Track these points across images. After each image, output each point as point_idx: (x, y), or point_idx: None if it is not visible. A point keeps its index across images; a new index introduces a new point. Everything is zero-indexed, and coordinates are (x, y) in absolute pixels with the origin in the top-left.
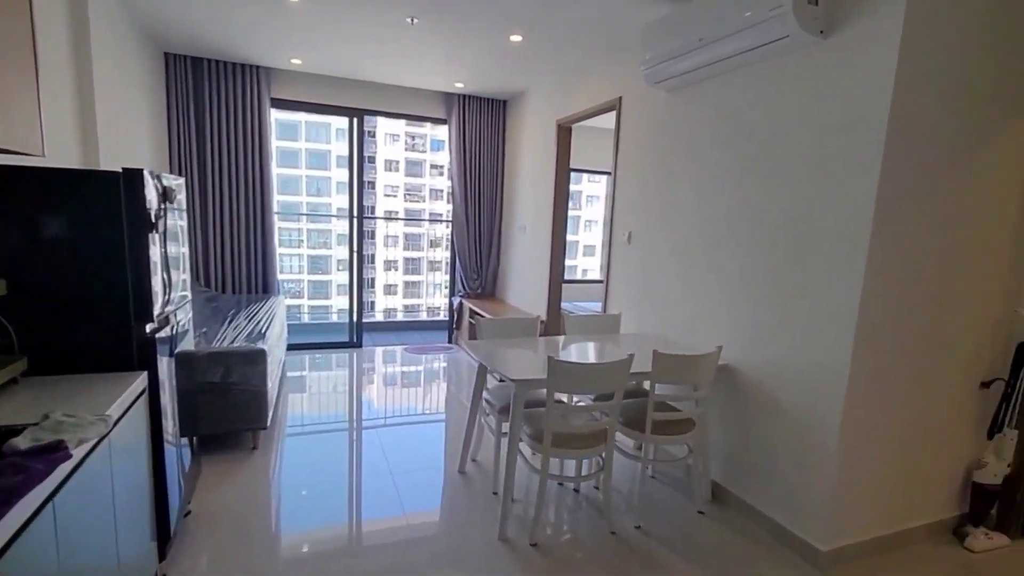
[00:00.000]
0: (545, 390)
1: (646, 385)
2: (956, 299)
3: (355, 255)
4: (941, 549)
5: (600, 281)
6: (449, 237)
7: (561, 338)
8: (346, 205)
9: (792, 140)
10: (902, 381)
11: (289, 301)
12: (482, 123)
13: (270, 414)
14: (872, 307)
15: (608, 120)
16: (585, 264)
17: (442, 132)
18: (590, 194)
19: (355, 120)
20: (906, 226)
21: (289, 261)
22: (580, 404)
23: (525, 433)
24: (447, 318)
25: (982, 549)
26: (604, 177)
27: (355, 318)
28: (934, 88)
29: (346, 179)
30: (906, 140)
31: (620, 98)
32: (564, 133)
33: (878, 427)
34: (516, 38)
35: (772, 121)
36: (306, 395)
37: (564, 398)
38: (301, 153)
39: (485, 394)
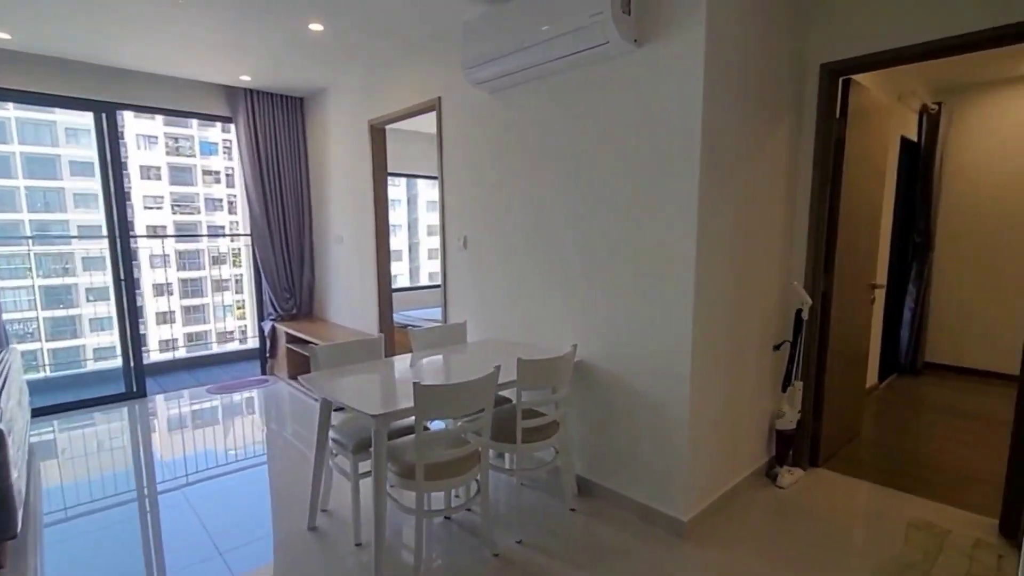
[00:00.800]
0: (408, 418)
1: (504, 393)
2: (752, 275)
3: (122, 283)
4: (761, 491)
5: (436, 286)
6: (245, 251)
7: (408, 356)
8: (94, 221)
9: (621, 143)
10: (724, 352)
11: (23, 346)
12: (278, 122)
13: (19, 516)
14: (702, 290)
15: (433, 123)
16: (433, 267)
17: (213, 134)
18: (431, 199)
19: (104, 117)
20: (718, 216)
21: (14, 296)
22: (444, 427)
23: (391, 471)
24: (257, 346)
25: (788, 484)
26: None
27: (132, 361)
28: (727, 96)
29: (88, 190)
30: (712, 141)
31: (439, 98)
32: (378, 135)
33: (712, 396)
34: (316, 27)
35: (601, 124)
36: (71, 474)
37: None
38: (14, 159)
39: (333, 433)
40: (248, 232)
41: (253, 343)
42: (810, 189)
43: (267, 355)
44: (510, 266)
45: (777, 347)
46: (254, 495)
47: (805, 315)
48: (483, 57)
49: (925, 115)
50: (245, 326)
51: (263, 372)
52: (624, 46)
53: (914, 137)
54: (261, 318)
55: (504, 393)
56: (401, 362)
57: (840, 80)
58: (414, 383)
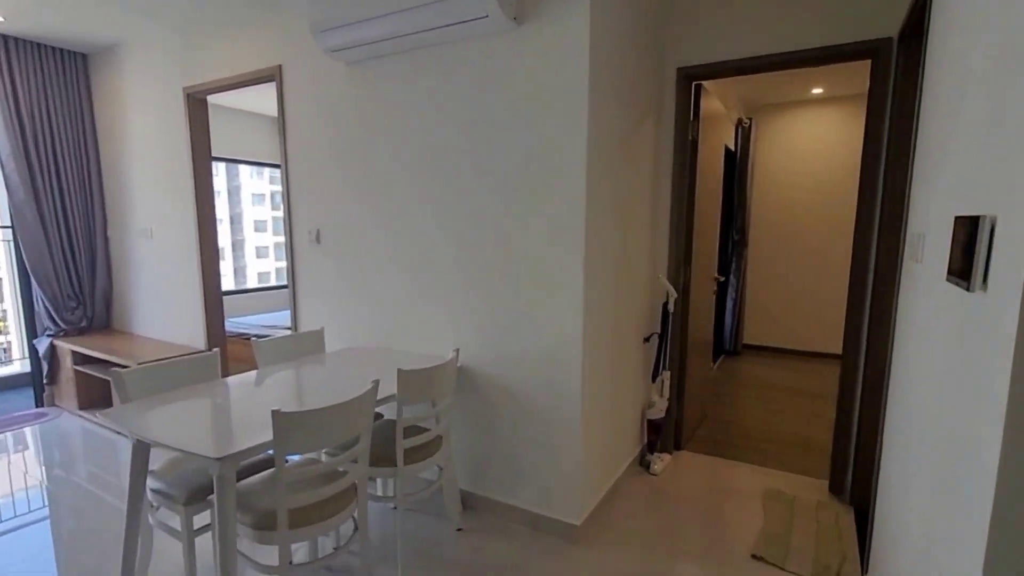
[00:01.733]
0: (266, 454)
1: (378, 409)
2: (629, 270)
3: None
4: (638, 481)
5: (269, 288)
6: (3, 248)
7: (253, 373)
8: None
9: (502, 129)
10: (608, 348)
11: None
12: (50, 83)
13: None
14: (591, 286)
15: (263, 99)
16: (263, 267)
17: None
18: (256, 191)
19: None
20: (603, 211)
21: None
22: (307, 458)
23: (243, 523)
24: (29, 370)
25: (660, 470)
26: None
27: None
28: (607, 90)
29: None
30: (596, 135)
31: (280, 67)
32: (198, 108)
33: (600, 394)
34: None
35: (479, 107)
36: None
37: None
38: None
39: (153, 481)
40: (7, 224)
41: (23, 366)
42: (671, 186)
43: (44, 381)
44: (376, 263)
45: (647, 339)
46: (26, 557)
47: (671, 307)
48: (340, 19)
49: (740, 127)
50: (8, 344)
51: (39, 404)
52: (504, 22)
53: (732, 146)
54: (34, 334)
55: (378, 409)
56: (243, 382)
57: (693, 85)
58: (273, 411)
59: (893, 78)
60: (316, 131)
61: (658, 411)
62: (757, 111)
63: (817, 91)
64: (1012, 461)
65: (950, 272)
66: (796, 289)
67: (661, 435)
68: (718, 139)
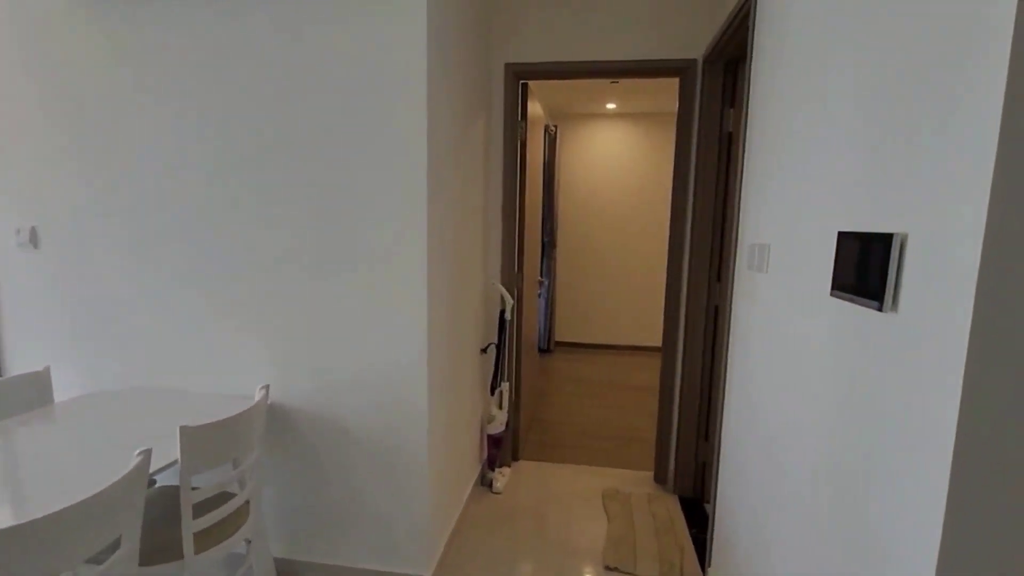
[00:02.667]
0: None
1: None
2: (466, 278)
3: None
4: (483, 502)
5: None
6: None
7: None
8: None
9: (326, 106)
10: (449, 366)
11: None
12: None
13: None
14: (434, 300)
15: None
16: None
17: None
18: None
19: None
20: (443, 213)
21: None
22: None
23: None
24: None
25: (503, 487)
26: None
27: None
28: (442, 76)
29: None
30: (436, 126)
31: None
32: None
33: (444, 420)
34: None
35: (297, 78)
36: None
37: None
38: None
39: None
40: None
41: None
42: (502, 189)
43: None
44: (138, 272)
45: (484, 350)
46: None
47: (508, 315)
48: None
49: (547, 134)
50: None
51: None
52: None
53: (543, 151)
54: None
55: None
56: None
57: (520, 83)
58: None
59: (699, 98)
60: (27, 86)
61: (498, 425)
62: (561, 119)
63: (611, 106)
64: (961, 466)
65: (839, 288)
66: (602, 287)
67: (501, 449)
68: (537, 143)
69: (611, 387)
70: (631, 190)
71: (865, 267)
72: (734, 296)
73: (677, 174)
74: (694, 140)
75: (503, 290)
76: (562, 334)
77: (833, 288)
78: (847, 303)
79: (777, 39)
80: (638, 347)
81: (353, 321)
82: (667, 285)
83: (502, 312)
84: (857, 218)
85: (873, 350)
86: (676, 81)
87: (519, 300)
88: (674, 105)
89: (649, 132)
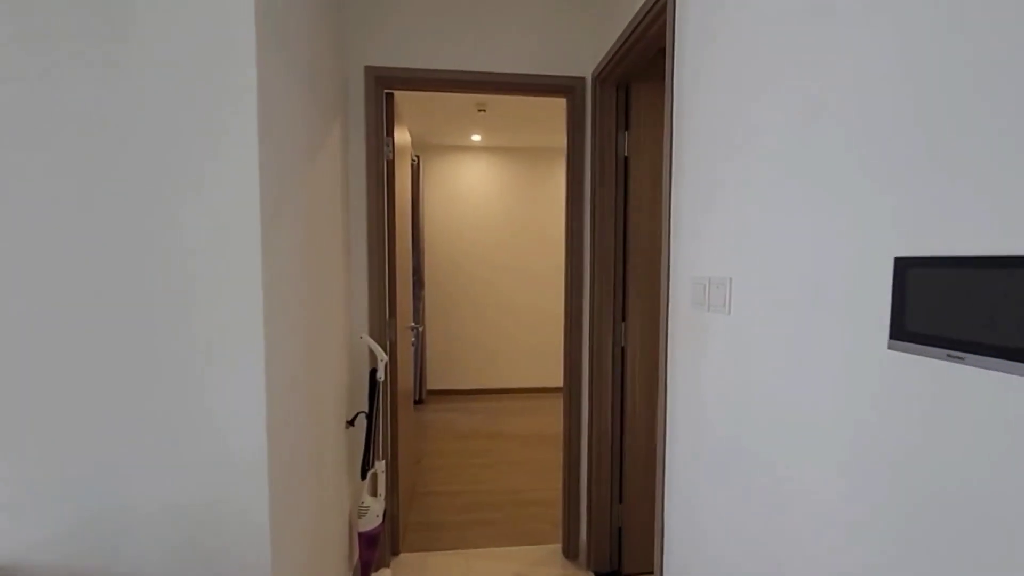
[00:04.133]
0: None
1: None
2: (322, 333)
3: None
4: None
5: None
6: None
7: None
8: None
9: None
10: (298, 453)
11: None
12: None
13: None
14: (275, 355)
15: None
16: None
17: None
18: None
19: None
20: (282, 239)
21: None
22: None
23: None
24: None
25: None
26: None
27: None
28: (282, 67)
29: None
30: (270, 124)
31: None
32: None
33: (295, 529)
34: None
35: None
36: None
37: None
38: None
39: None
40: None
41: None
42: (367, 220)
43: None
44: None
45: (351, 422)
46: None
47: (381, 375)
48: None
49: (412, 165)
50: None
51: None
52: None
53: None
54: None
55: None
56: None
57: (385, 93)
58: None
59: (592, 120)
60: None
61: (373, 518)
62: (422, 150)
63: (476, 138)
64: None
65: (922, 340)
66: (476, 329)
67: (378, 547)
68: (405, 171)
69: (494, 439)
70: (503, 226)
71: (987, 310)
72: (670, 342)
73: (571, 205)
74: (587, 167)
75: (373, 344)
76: (434, 381)
77: (898, 338)
78: (943, 364)
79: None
80: (517, 389)
81: (142, 406)
82: (567, 326)
83: (373, 372)
84: (939, 237)
85: (1003, 440)
86: (547, 112)
87: (392, 353)
88: (542, 140)
89: (518, 166)
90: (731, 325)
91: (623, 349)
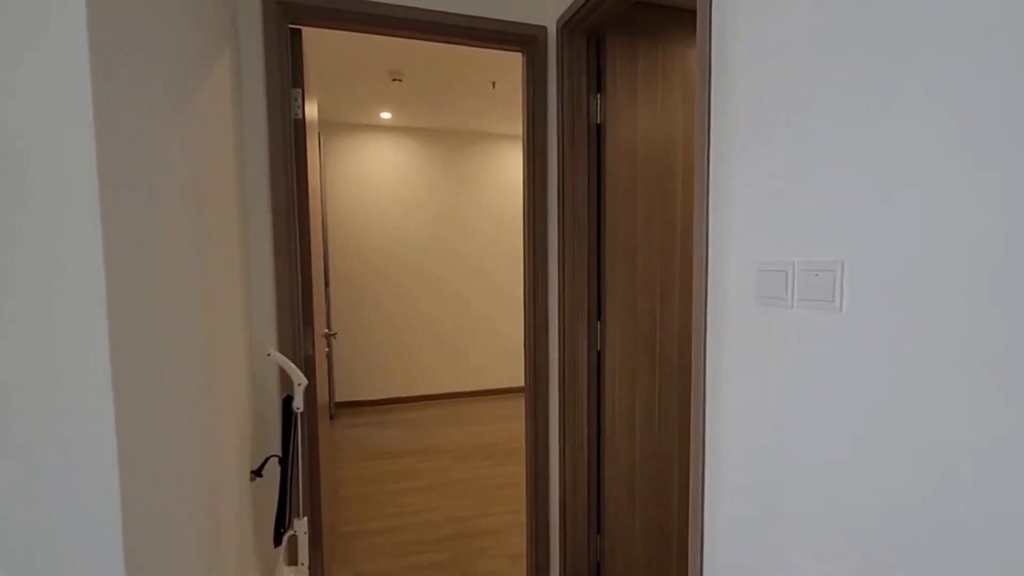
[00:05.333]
0: None
1: None
2: (214, 352)
3: None
4: None
5: None
6: None
7: None
8: None
9: None
10: (188, 510)
11: None
12: None
13: None
14: (130, 391)
15: None
16: None
17: None
18: None
19: None
20: (137, 197)
21: None
22: None
23: None
24: None
25: None
26: None
27: None
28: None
29: None
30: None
31: None
32: None
33: None
34: None
35: None
36: None
37: None
38: None
39: None
40: None
41: None
42: (270, 201)
43: None
44: None
45: (258, 472)
46: None
47: (299, 404)
48: None
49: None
50: None
51: None
52: None
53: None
54: None
55: None
56: None
57: (289, 28)
58: None
59: (559, 80)
60: None
61: None
62: (326, 128)
63: (386, 115)
64: None
65: None
66: (394, 331)
67: None
68: (313, 145)
69: (424, 456)
70: (422, 215)
71: None
72: (710, 347)
73: (532, 183)
74: (551, 137)
75: (287, 363)
76: (344, 392)
77: None
78: None
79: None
80: (445, 395)
81: None
82: (529, 325)
83: (288, 400)
84: None
85: None
86: (473, 88)
87: (310, 369)
88: (464, 123)
89: (439, 150)
90: (846, 326)
91: (600, 353)
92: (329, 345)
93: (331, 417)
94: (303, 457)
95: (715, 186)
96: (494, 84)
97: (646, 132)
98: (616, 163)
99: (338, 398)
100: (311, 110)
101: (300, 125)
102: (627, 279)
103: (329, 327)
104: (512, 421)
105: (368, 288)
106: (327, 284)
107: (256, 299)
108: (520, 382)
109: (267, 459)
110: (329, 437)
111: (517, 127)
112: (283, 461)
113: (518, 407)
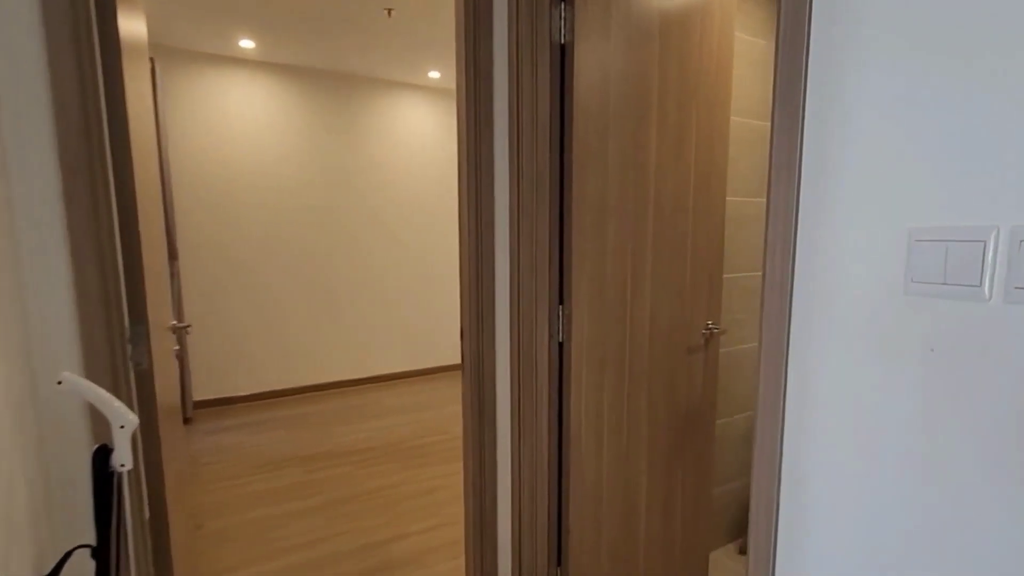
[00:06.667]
0: None
1: None
2: None
3: None
4: None
5: None
6: None
7: None
8: None
9: None
10: None
11: None
12: None
13: None
14: None
15: None
16: None
17: None
18: None
19: None
20: None
21: None
22: None
23: None
24: None
25: None
26: None
27: None
28: None
29: None
30: None
31: None
32: None
33: None
34: None
35: None
36: None
37: None
38: None
39: None
40: None
41: None
42: (55, 143)
43: None
44: None
45: (54, 574)
46: None
47: (125, 459)
48: None
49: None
50: None
51: None
52: None
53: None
54: None
55: None
56: None
57: None
58: None
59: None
60: None
61: None
62: (163, 56)
63: (246, 44)
64: None
65: None
66: (267, 314)
67: None
68: (141, 74)
69: (315, 463)
70: (305, 176)
71: None
72: (795, 344)
73: (472, 126)
74: (496, 61)
75: (93, 392)
76: (206, 388)
77: None
78: None
79: None
80: (333, 384)
81: None
82: (473, 309)
83: (102, 455)
84: None
85: None
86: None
87: (146, 388)
88: (351, 64)
89: (316, 96)
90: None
91: (561, 345)
92: (181, 342)
93: (186, 421)
94: (135, 535)
95: (817, 115)
96: (390, 12)
97: (620, 61)
98: (586, 98)
99: (197, 396)
100: (133, 24)
101: (111, 37)
102: (596, 251)
103: (179, 318)
104: (423, 410)
105: (235, 263)
106: (175, 257)
107: (36, 293)
108: (430, 363)
109: (68, 554)
110: (184, 450)
111: (419, 74)
112: (99, 553)
113: (429, 392)
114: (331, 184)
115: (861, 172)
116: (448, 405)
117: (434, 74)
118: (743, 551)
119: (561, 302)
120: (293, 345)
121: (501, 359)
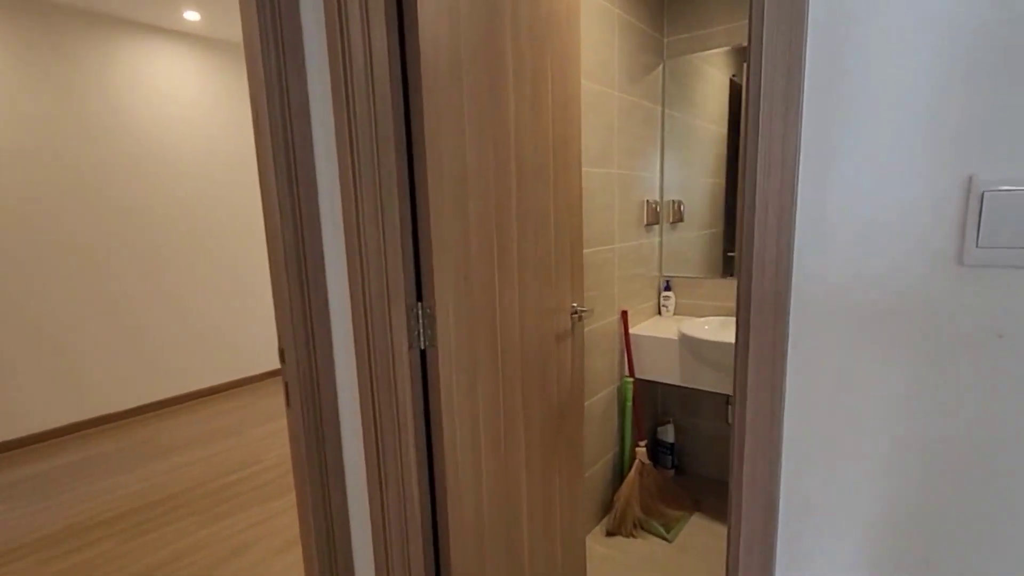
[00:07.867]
0: None
1: None
2: None
3: None
4: None
5: None
6: None
7: None
8: None
9: None
10: None
11: None
12: None
13: None
14: None
15: None
16: None
17: None
18: None
19: None
20: None
21: None
22: None
23: None
24: None
25: None
26: None
27: None
28: None
29: None
30: None
31: None
32: None
33: None
34: None
35: None
36: None
37: None
38: None
39: None
40: None
41: None
42: None
43: None
44: None
45: None
46: None
47: None
48: None
49: None
50: None
51: None
52: None
53: None
54: None
55: None
56: None
57: None
58: None
59: None
60: None
61: None
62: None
63: (192, 16)
64: None
65: None
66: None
67: None
68: None
69: (56, 544)
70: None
71: None
72: (796, 343)
73: (269, 74)
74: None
75: None
76: None
77: None
78: None
79: None
80: (77, 426)
81: None
82: (292, 319)
83: None
84: None
85: None
86: None
87: None
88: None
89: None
90: None
91: (424, 353)
92: None
93: None
94: None
95: (822, 48)
96: None
97: None
98: (432, 30)
99: None
100: None
101: None
102: (459, 231)
103: None
104: (226, 437)
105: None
106: None
107: None
108: (235, 374)
109: None
110: None
111: (171, 15)
112: None
113: (233, 412)
114: (56, 169)
115: (894, 88)
116: (260, 424)
117: (191, 15)
118: (611, 532)
119: (420, 299)
120: (34, 371)
121: (345, 383)
